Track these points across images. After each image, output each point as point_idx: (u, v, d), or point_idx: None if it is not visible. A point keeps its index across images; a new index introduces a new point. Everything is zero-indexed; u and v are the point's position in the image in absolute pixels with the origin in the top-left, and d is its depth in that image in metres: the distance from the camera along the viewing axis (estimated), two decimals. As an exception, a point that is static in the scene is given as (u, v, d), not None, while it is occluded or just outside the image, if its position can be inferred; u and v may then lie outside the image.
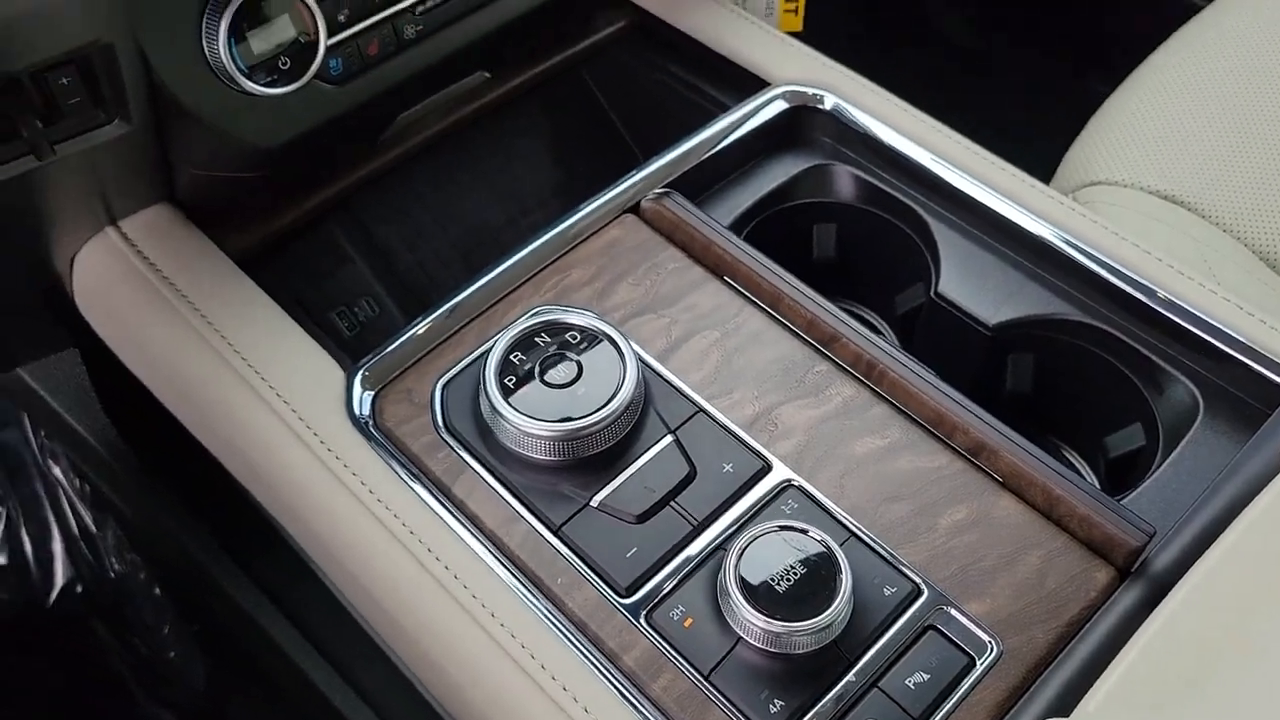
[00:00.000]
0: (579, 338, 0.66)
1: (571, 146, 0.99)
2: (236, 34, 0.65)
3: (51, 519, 1.32)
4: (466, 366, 0.69)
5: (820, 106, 0.84)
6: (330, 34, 0.69)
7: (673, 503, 0.63)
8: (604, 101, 0.99)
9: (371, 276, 0.89)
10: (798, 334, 0.71)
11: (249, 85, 0.66)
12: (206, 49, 0.65)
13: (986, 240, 0.79)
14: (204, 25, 0.65)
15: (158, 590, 1.26)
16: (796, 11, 0.99)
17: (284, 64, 0.67)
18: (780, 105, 0.84)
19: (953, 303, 0.77)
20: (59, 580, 1.33)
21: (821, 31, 1.01)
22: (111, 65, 0.62)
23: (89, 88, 0.63)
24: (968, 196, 0.79)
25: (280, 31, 0.66)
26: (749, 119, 0.83)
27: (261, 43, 0.66)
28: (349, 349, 0.77)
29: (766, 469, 0.64)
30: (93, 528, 1.30)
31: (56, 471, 1.32)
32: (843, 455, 0.65)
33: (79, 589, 1.32)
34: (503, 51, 0.84)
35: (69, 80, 0.62)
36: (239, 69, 0.66)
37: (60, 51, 0.59)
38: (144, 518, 1.09)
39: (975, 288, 0.77)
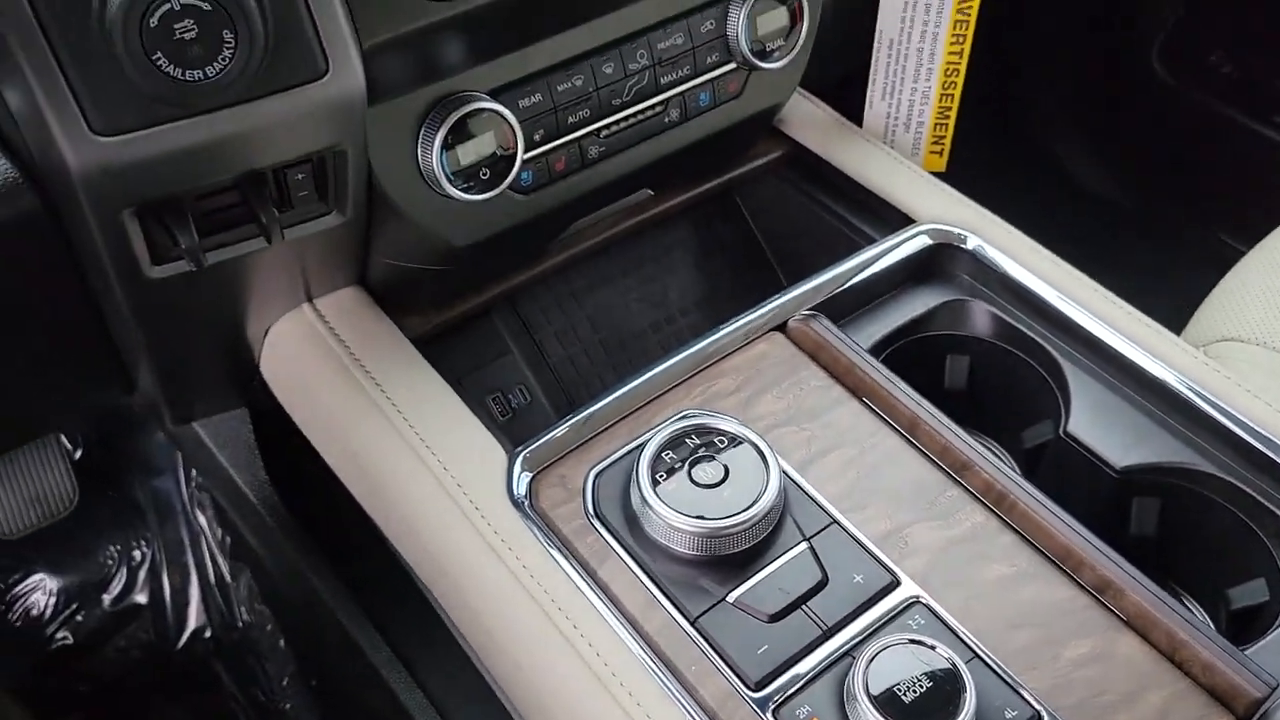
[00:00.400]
0: (726, 442, 0.71)
1: (718, 262, 1.05)
2: (446, 146, 0.73)
3: (191, 565, 1.41)
4: (618, 459, 0.75)
5: (962, 246, 0.89)
6: (526, 150, 0.77)
7: (804, 606, 0.67)
8: (753, 223, 1.05)
9: (525, 367, 0.96)
10: (931, 458, 0.75)
11: (452, 191, 0.74)
12: (420, 158, 0.74)
13: (1117, 384, 0.82)
14: (420, 137, 0.74)
15: (282, 642, 1.33)
16: (941, 153, 1.05)
17: (484, 174, 0.75)
18: (924, 241, 0.89)
19: (1081, 443, 0.80)
20: (191, 624, 1.41)
21: (962, 172, 1.06)
22: (340, 166, 0.71)
23: (318, 183, 0.72)
24: (1101, 341, 0.83)
25: (484, 146, 0.75)
26: (894, 252, 0.89)
27: (467, 155, 0.74)
28: (501, 432, 0.84)
29: (895, 584, 0.68)
30: (228, 577, 1.38)
31: (201, 520, 1.41)
32: (970, 578, 0.68)
33: (208, 634, 1.40)
34: (667, 172, 0.91)
35: (303, 176, 0.71)
36: (446, 176, 0.74)
37: (303, 153, 0.68)
38: (284, 571, 1.17)
39: (1104, 430, 0.80)
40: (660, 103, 0.84)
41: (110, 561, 1.41)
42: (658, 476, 0.70)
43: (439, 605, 0.80)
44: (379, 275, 0.85)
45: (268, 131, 0.64)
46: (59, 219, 0.69)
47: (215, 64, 0.58)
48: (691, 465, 0.70)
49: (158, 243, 0.70)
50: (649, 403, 0.79)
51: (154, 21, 0.56)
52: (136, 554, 1.43)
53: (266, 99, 0.62)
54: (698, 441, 0.72)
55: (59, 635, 1.39)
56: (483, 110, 0.73)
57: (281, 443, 1.10)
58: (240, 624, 1.37)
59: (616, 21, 0.79)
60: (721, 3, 0.84)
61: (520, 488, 0.74)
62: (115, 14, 0.55)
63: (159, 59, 0.57)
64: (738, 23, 0.83)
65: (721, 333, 0.83)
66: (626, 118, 0.83)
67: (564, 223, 0.89)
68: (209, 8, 0.56)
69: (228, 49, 0.58)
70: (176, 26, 0.56)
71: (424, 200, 0.76)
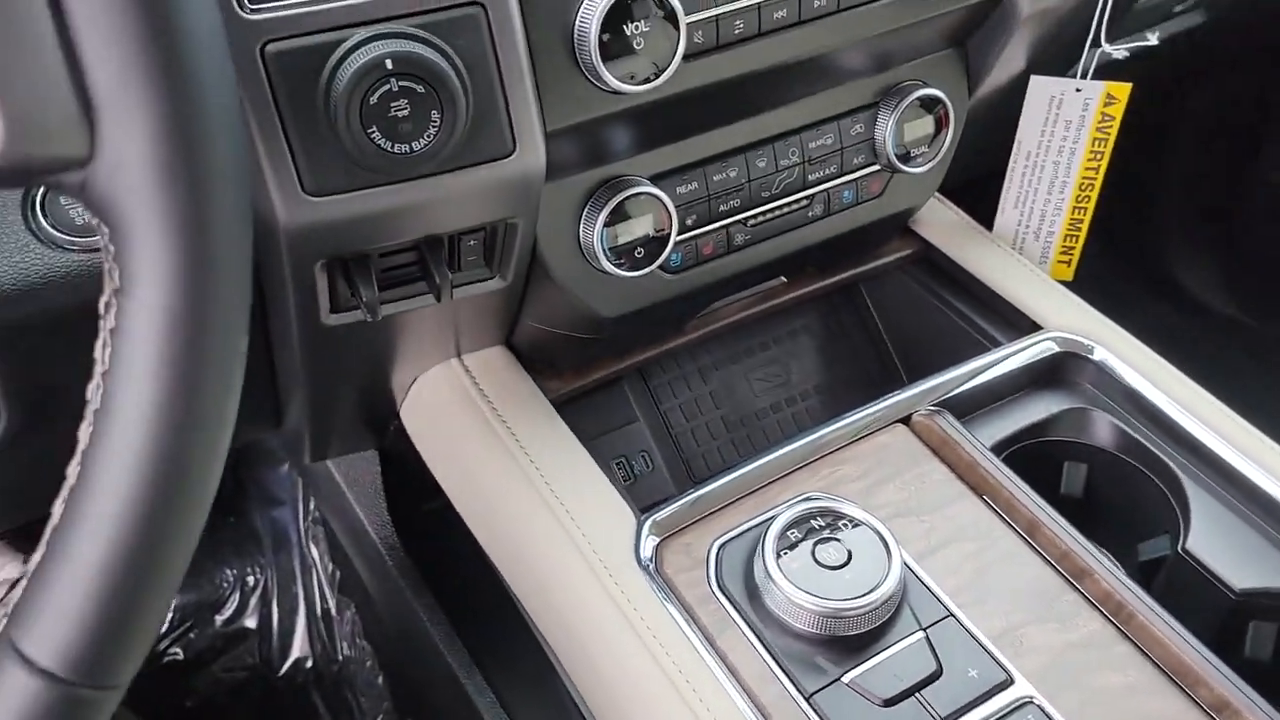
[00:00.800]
0: (849, 526, 0.74)
1: (840, 351, 1.09)
2: (607, 224, 0.79)
3: (300, 595, 1.47)
4: (743, 533, 0.78)
5: (1088, 355, 0.91)
6: (678, 233, 0.82)
7: (918, 695, 0.69)
8: (877, 316, 1.09)
9: (650, 436, 1.01)
10: (1049, 561, 0.77)
11: (607, 266, 0.80)
12: (581, 233, 0.79)
13: (1238, 504, 0.83)
14: (584, 215, 0.79)
15: (380, 679, 1.37)
16: (1070, 264, 1.07)
17: (638, 253, 0.80)
18: (1050, 349, 0.92)
19: (1199, 561, 0.80)
20: (294, 652, 1.46)
21: (1085, 281, 1.08)
22: (510, 236, 0.76)
23: (487, 250, 0.78)
24: (1224, 460, 0.83)
25: (641, 227, 0.80)
26: (1019, 356, 0.91)
27: (625, 234, 0.79)
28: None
29: (1009, 682, 0.69)
30: (333, 610, 1.44)
31: (314, 553, 1.48)
32: (1084, 684, 0.69)
33: (309, 664, 1.45)
34: (801, 262, 0.96)
35: (474, 242, 0.77)
36: (604, 253, 0.79)
37: (482, 222, 0.74)
38: (392, 609, 1.22)
39: (1223, 549, 0.81)
40: (806, 197, 0.88)
41: (225, 584, 1.48)
42: (782, 552, 0.73)
43: (553, 654, 0.84)
44: (525, 337, 0.91)
45: (456, 201, 0.70)
46: (256, 267, 0.76)
47: (421, 139, 0.64)
48: (815, 545, 0.73)
49: (338, 293, 0.76)
50: (773, 481, 0.82)
51: (374, 99, 0.62)
52: (250, 579, 1.49)
53: (459, 172, 0.68)
54: (822, 523, 0.75)
55: (171, 650, 1.45)
56: (643, 194, 0.79)
57: (406, 486, 1.15)
58: (340, 657, 1.42)
59: (773, 120, 0.84)
60: (871, 108, 0.88)
61: (647, 551, 0.78)
62: (341, 91, 0.62)
63: (373, 132, 0.63)
64: (886, 128, 0.88)
65: (845, 421, 0.86)
66: (773, 209, 0.87)
67: (703, 303, 0.93)
68: (423, 90, 0.63)
69: (433, 127, 0.64)
70: (393, 105, 0.62)
71: (580, 272, 0.81)
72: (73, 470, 0.39)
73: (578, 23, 0.69)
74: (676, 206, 0.81)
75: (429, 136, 0.64)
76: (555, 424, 0.86)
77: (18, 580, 0.40)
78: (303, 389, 0.89)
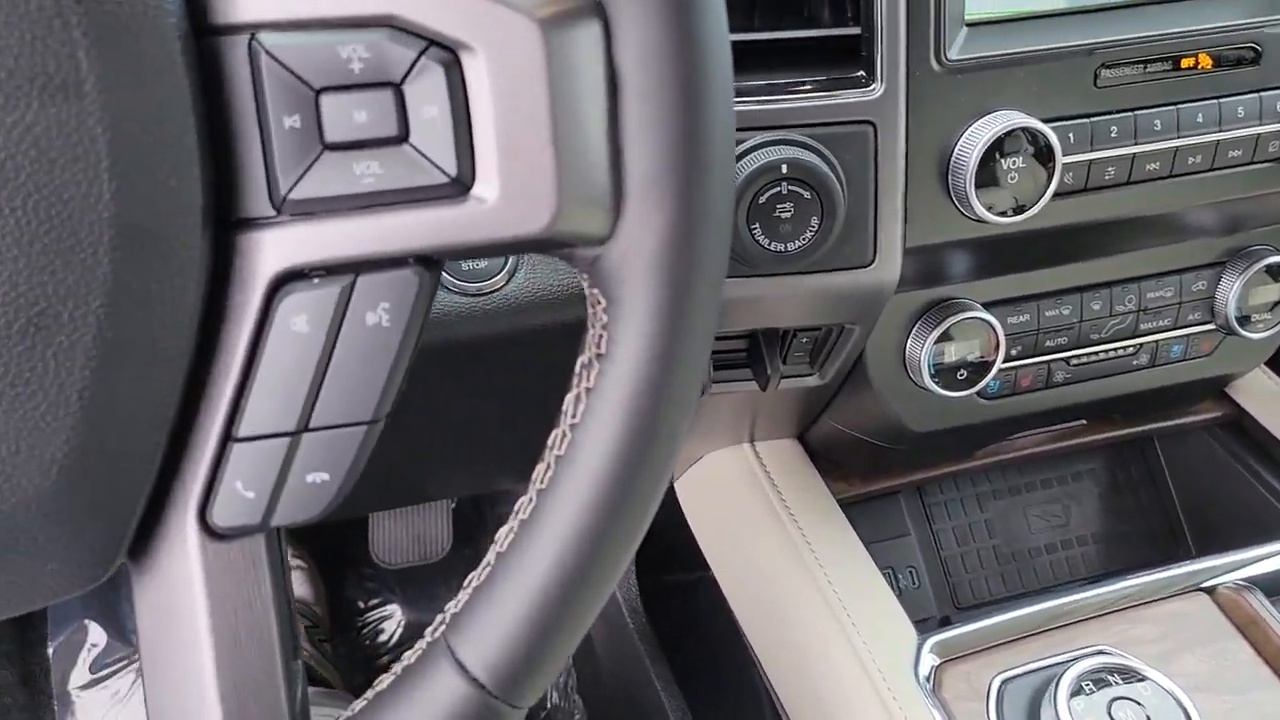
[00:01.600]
0: (1149, 693, 0.72)
1: (1125, 503, 1.06)
2: (935, 342, 0.80)
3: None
4: (1029, 673, 0.76)
5: None
6: (1003, 361, 0.82)
7: None
8: (1169, 475, 1.05)
9: (919, 552, 1.00)
10: (1365, 773, 0.72)
11: (928, 383, 0.81)
12: (909, 347, 0.81)
13: None
14: (914, 330, 0.81)
15: (585, 734, 1.40)
16: (1397, 455, 1.01)
17: (960, 375, 0.81)
18: (1376, 543, 0.86)
19: None
20: (507, 694, 1.51)
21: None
22: (843, 340, 0.79)
23: (815, 348, 0.81)
24: None
25: (967, 350, 0.81)
26: (1340, 543, 0.86)
27: (950, 355, 0.81)
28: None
29: None
30: (553, 661, 1.48)
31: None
32: None
33: (519, 707, 1.50)
34: (1108, 408, 0.94)
35: (807, 340, 0.80)
36: (928, 369, 0.80)
37: (823, 323, 0.77)
38: (617, 669, 1.24)
39: None
40: (1134, 346, 0.87)
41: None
42: (1074, 704, 0.71)
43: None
44: (820, 435, 0.93)
45: (808, 300, 0.74)
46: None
47: (797, 241, 0.68)
48: (1112, 702, 0.71)
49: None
50: (1062, 627, 0.80)
51: (763, 199, 0.66)
52: (478, 610, 1.56)
53: (819, 274, 0.72)
54: (1119, 680, 0.73)
55: (393, 665, 1.53)
56: (976, 319, 0.80)
57: (659, 553, 1.19)
58: (549, 705, 1.46)
59: (1114, 264, 0.84)
60: (1216, 267, 0.87)
61: (925, 669, 0.78)
62: (736, 187, 0.66)
63: (755, 228, 0.67)
64: (1229, 290, 0.86)
65: (1141, 579, 0.84)
66: (1099, 352, 0.87)
67: (1004, 432, 0.93)
68: (808, 196, 0.67)
69: (810, 231, 0.68)
70: (779, 206, 0.67)
71: (898, 384, 0.83)
72: (525, 505, 0.44)
73: (956, 151, 0.71)
74: (1006, 335, 0.81)
75: (804, 239, 0.68)
76: (843, 527, 0.88)
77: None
78: None
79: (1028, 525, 1.04)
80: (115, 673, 1.40)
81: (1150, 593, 0.83)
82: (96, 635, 1.40)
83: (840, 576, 0.84)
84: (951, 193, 0.72)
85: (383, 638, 1.54)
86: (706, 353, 0.44)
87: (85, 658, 1.40)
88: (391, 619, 1.55)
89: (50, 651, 1.43)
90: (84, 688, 1.40)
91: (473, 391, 0.85)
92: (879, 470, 0.96)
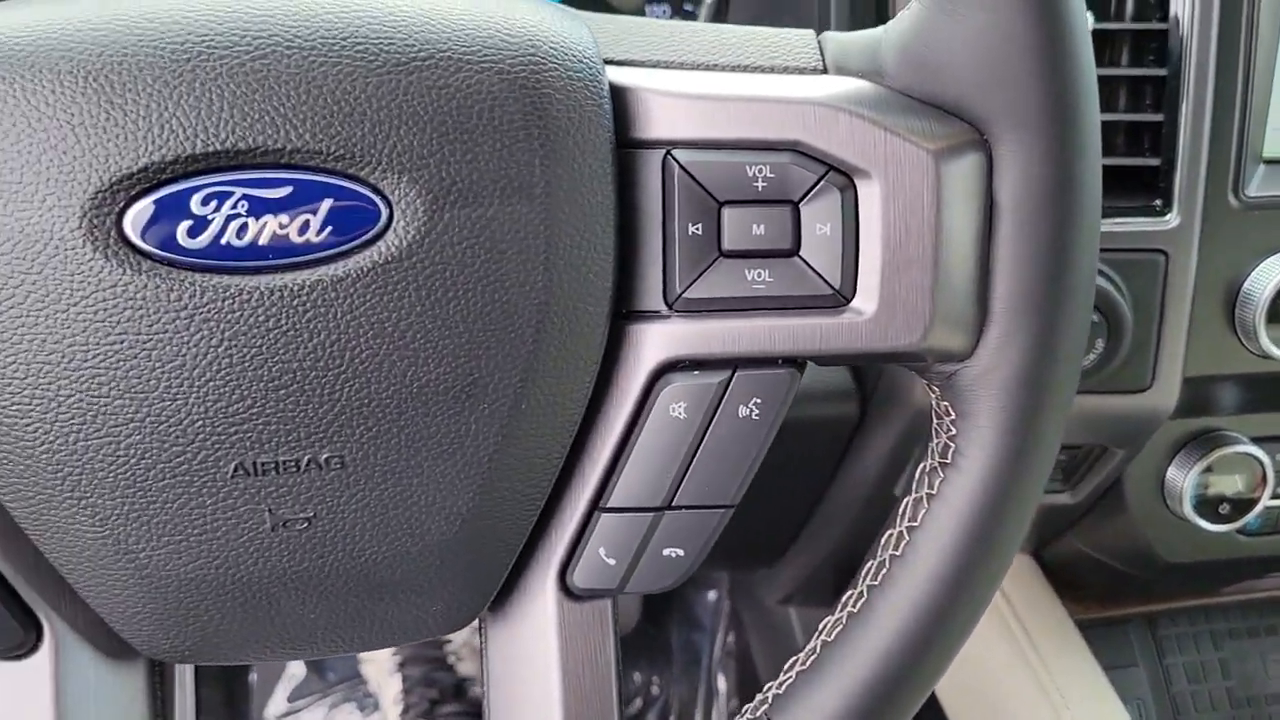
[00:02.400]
0: None
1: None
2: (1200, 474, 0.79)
3: (697, 720, 1.53)
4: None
5: None
6: (1269, 499, 0.80)
7: None
8: None
9: (1148, 686, 0.97)
10: None
11: (1188, 513, 0.79)
12: (1170, 475, 0.80)
13: None
14: (1178, 458, 0.80)
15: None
16: None
17: (1223, 509, 0.79)
18: None
19: None
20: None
21: None
22: (1103, 461, 0.79)
23: (1069, 466, 0.81)
24: None
25: (1232, 484, 0.79)
26: None
27: (1214, 487, 0.79)
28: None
29: None
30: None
31: (721, 685, 1.53)
32: None
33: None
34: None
35: (1064, 458, 0.80)
36: (1190, 500, 0.79)
37: (1089, 443, 0.77)
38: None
39: None
40: None
41: (631, 687, 1.56)
42: None
43: None
44: (1060, 552, 0.92)
45: (1079, 420, 0.74)
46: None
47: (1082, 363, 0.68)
48: None
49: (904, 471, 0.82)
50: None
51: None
52: (654, 689, 1.57)
53: (1096, 395, 0.72)
54: None
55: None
56: (1244, 454, 0.78)
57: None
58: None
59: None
60: None
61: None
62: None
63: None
64: None
65: None
66: (1373, 501, 0.83)
67: (1257, 572, 0.90)
68: (1096, 319, 0.67)
69: (1095, 353, 0.68)
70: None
71: (1154, 512, 0.81)
72: (854, 599, 0.46)
73: (1246, 285, 0.71)
74: (1274, 472, 0.79)
75: (1089, 361, 0.68)
76: (1083, 654, 0.86)
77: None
78: (825, 549, 0.95)
79: (1266, 670, 0.99)
80: (309, 705, 1.47)
81: None
82: (296, 668, 1.48)
83: (1080, 708, 0.82)
84: (1237, 326, 0.72)
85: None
86: (1048, 473, 0.46)
87: (284, 688, 1.48)
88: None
89: (252, 678, 1.51)
90: (281, 717, 1.47)
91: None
92: (1115, 596, 0.94)
